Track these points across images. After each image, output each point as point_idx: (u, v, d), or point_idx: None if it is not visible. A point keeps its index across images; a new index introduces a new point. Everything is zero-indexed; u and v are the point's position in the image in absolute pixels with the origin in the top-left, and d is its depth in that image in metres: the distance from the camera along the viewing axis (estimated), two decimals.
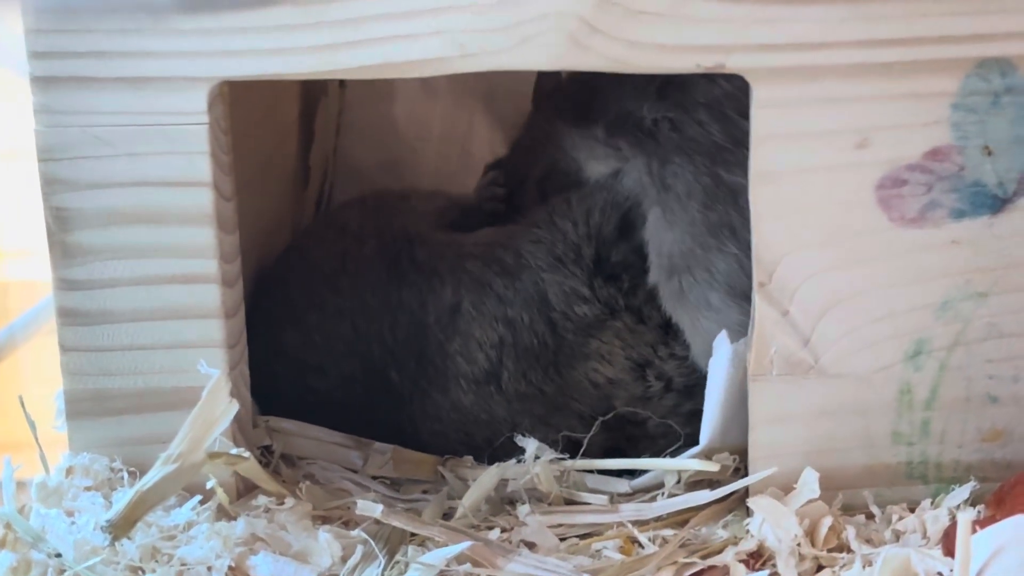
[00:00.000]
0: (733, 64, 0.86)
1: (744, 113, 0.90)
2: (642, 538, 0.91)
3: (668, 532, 0.91)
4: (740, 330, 0.94)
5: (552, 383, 1.01)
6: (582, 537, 0.92)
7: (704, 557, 0.88)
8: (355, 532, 0.89)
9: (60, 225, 0.91)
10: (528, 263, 1.04)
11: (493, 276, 1.04)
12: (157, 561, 0.86)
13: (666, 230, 0.99)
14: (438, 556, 0.86)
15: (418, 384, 1.02)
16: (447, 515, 0.95)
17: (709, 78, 0.96)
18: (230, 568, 0.85)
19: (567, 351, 1.02)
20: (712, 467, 0.93)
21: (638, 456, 0.99)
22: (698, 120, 0.97)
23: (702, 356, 0.98)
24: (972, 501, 0.90)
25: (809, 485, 0.89)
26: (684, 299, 0.98)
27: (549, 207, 1.06)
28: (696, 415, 0.97)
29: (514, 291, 1.03)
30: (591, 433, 0.97)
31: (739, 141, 0.95)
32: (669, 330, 1.02)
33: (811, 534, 0.88)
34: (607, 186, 1.04)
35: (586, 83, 1.06)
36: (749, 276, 0.91)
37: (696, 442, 0.96)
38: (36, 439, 0.93)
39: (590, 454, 0.97)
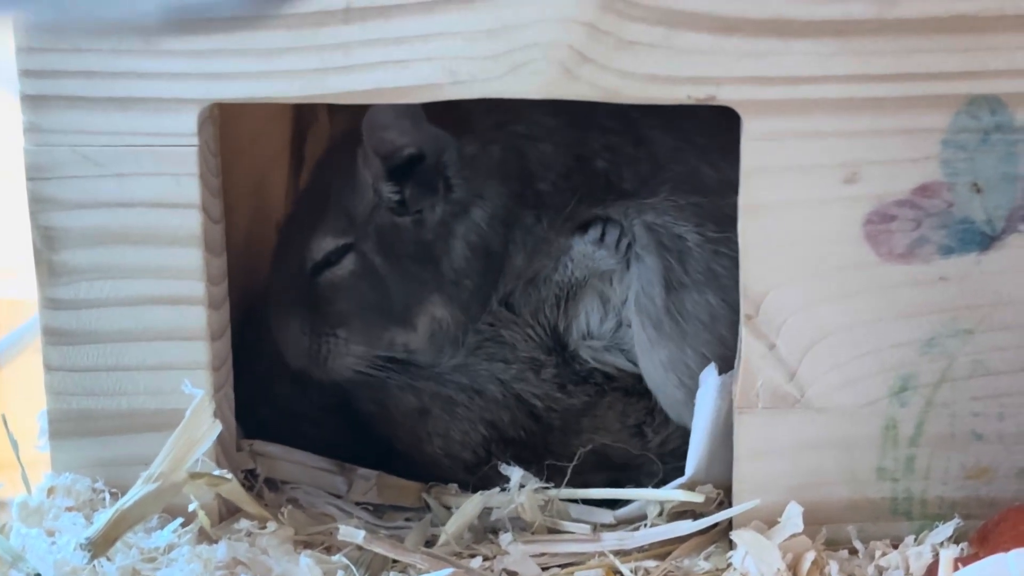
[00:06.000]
0: (723, 96, 0.86)
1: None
2: (624, 569, 0.90)
3: (650, 563, 0.91)
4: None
5: (548, 454, 1.00)
6: (564, 567, 0.92)
7: None
8: (336, 557, 0.88)
9: (47, 244, 0.91)
10: (489, 377, 1.02)
11: (455, 391, 1.02)
12: None
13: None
14: None
15: (401, 460, 1.02)
16: (430, 542, 0.94)
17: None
18: None
19: (558, 434, 1.01)
20: (696, 498, 0.92)
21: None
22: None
23: None
24: (956, 538, 0.89)
25: (793, 519, 0.89)
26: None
27: (493, 318, 1.02)
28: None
29: (483, 400, 1.01)
30: (574, 463, 0.96)
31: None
32: None
33: (794, 568, 0.88)
34: (549, 278, 1.01)
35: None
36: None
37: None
38: (18, 459, 0.92)
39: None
